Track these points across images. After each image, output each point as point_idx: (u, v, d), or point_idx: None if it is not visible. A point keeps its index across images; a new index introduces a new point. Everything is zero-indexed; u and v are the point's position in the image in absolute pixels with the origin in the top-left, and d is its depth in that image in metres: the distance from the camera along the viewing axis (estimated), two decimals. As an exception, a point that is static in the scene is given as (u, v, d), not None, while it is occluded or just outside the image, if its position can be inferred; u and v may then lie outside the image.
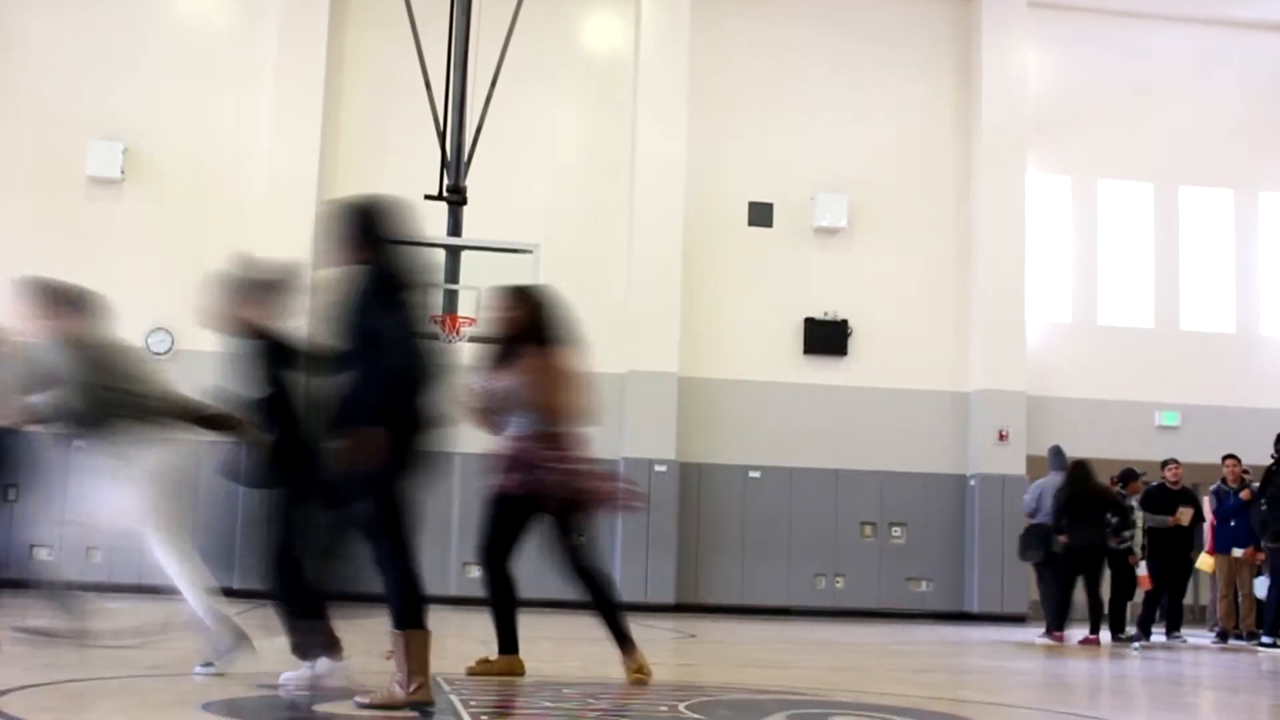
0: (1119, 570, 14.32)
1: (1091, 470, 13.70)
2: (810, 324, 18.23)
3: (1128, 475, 14.50)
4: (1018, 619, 17.83)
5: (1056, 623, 13.19)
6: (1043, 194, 19.34)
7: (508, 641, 6.97)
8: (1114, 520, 13.49)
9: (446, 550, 16.76)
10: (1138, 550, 14.16)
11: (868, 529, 18.23)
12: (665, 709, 5.86)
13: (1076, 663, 10.90)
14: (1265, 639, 13.03)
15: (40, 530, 7.73)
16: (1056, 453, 14.55)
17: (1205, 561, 15.03)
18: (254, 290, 6.30)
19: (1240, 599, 14.55)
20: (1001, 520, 17.95)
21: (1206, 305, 19.66)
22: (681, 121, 18.10)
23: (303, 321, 6.30)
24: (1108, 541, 13.49)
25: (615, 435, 17.56)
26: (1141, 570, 14.10)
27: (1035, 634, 13.76)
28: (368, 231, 5.56)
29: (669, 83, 18.14)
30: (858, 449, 18.19)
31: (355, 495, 5.43)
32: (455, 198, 13.83)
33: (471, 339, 12.75)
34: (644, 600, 16.94)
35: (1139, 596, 14.56)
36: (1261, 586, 13.66)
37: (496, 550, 6.86)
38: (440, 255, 13.38)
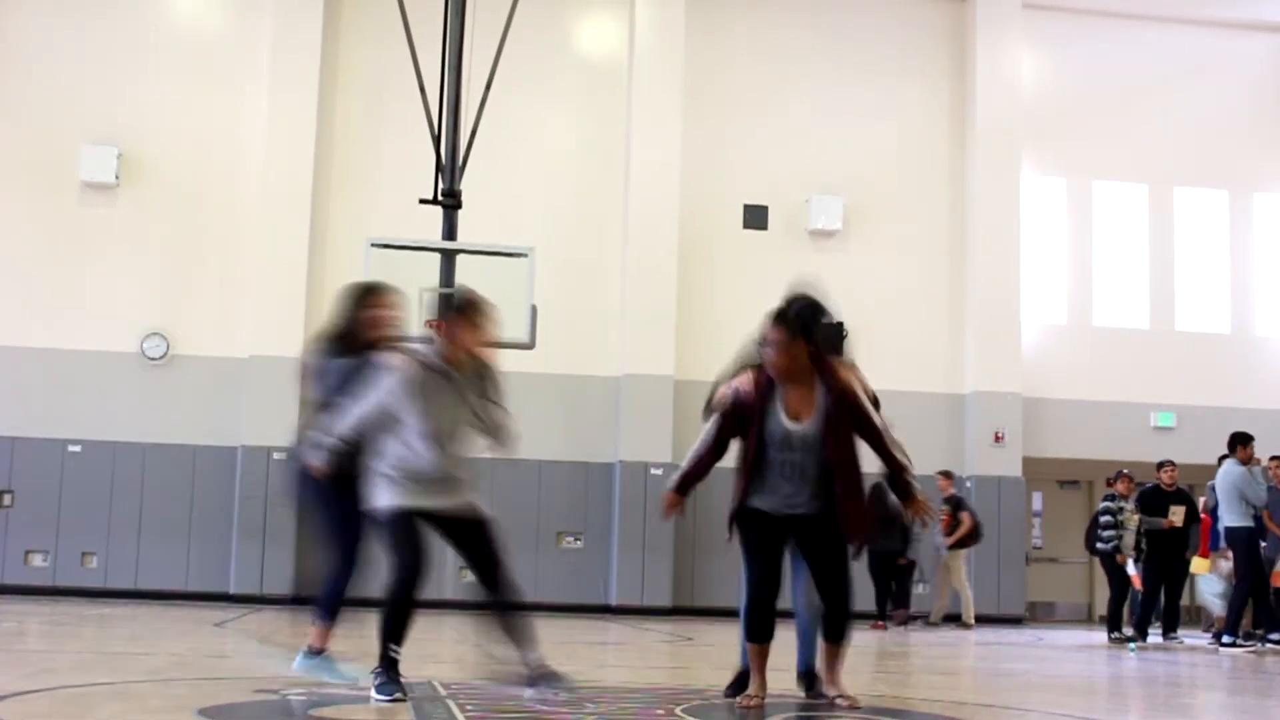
0: (1113, 572, 14.40)
1: (886, 491, 15.45)
2: (806, 326, 18.20)
3: (1117, 476, 14.67)
4: (1015, 620, 17.83)
5: (880, 613, 15.87)
6: (1037, 196, 19.35)
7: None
8: (902, 534, 15.58)
9: (444, 553, 16.75)
10: (1126, 550, 14.22)
11: (864, 531, 18.24)
12: (661, 712, 5.86)
13: (1073, 664, 10.91)
14: (1225, 638, 13.15)
15: None
16: None
17: (1200, 564, 15.05)
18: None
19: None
20: (998, 522, 17.94)
21: (1202, 306, 19.68)
22: (676, 124, 18.10)
23: None
24: (897, 548, 15.71)
25: (611, 438, 17.55)
26: (1131, 570, 14.20)
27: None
28: None
29: (663, 86, 18.13)
30: (854, 451, 18.15)
31: None
32: (450, 201, 13.81)
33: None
34: (640, 603, 16.94)
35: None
36: (1208, 585, 13.94)
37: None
38: (435, 259, 13.36)
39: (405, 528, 5.92)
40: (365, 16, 17.79)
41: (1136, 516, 14.31)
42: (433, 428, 5.84)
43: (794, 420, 5.97)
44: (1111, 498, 14.52)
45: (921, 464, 18.07)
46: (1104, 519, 14.39)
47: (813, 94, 18.81)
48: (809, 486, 6.03)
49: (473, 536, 6.04)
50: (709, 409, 6.32)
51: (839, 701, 5.91)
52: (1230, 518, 13.32)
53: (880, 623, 15.69)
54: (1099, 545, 14.42)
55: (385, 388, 5.88)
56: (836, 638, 6.06)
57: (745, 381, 6.08)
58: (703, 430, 6.23)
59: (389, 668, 5.85)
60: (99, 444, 16.83)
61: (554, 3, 18.16)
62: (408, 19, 14.01)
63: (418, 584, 5.91)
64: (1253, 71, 20.04)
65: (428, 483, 5.90)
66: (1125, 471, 14.72)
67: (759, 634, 6.13)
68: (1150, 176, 19.66)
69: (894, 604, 16.20)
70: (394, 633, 5.88)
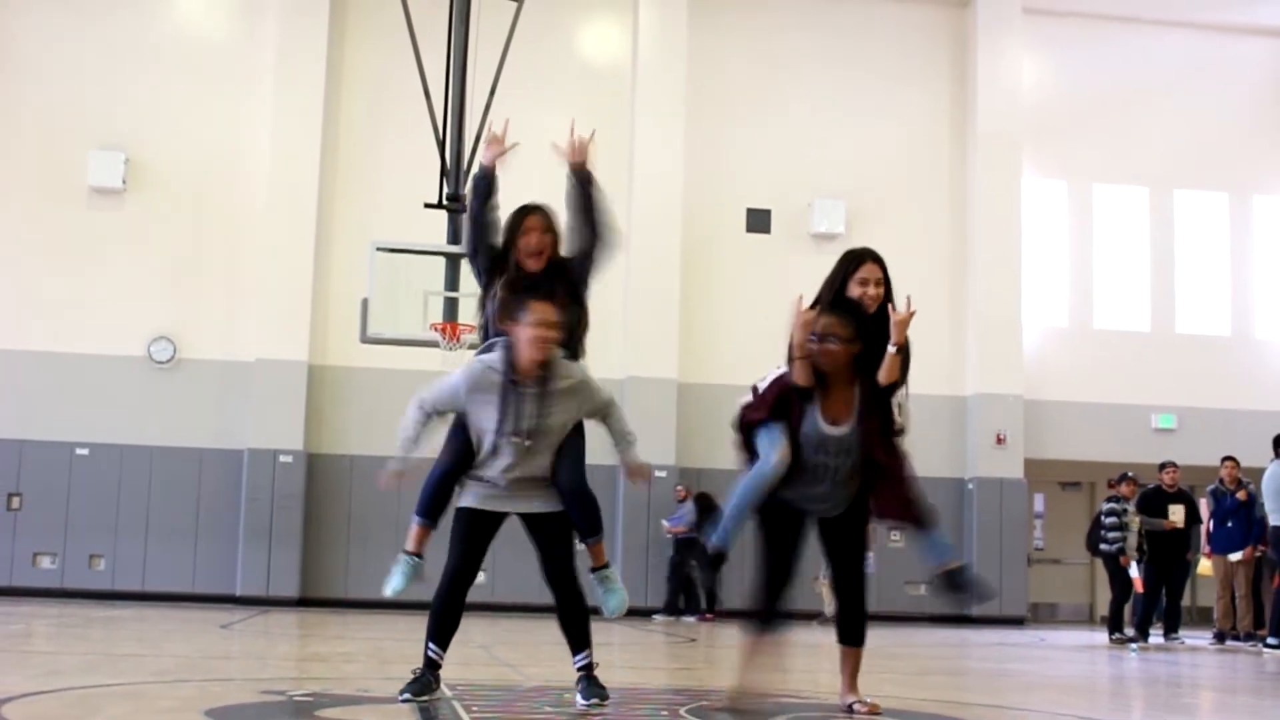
0: (1116, 573, 14.44)
1: (715, 498, 15.82)
2: (808, 329, 18.24)
3: (1121, 478, 14.70)
4: (1017, 621, 17.87)
5: (708, 606, 16.95)
6: (1038, 199, 19.40)
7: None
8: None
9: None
10: (1130, 552, 14.27)
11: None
12: (665, 713, 5.92)
13: (1075, 664, 10.95)
14: (1271, 640, 13.13)
15: None
16: None
17: (1206, 566, 15.08)
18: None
19: (1238, 599, 14.60)
20: (1000, 524, 18.00)
21: (1202, 308, 19.72)
22: (679, 128, 18.16)
23: None
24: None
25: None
26: (1134, 572, 14.24)
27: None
28: None
29: (666, 90, 18.19)
30: (856, 453, 18.20)
31: None
32: (455, 205, 13.86)
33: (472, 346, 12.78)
34: (643, 605, 16.98)
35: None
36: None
37: None
38: (440, 263, 13.43)
39: (457, 529, 5.98)
40: (370, 21, 17.86)
41: (1138, 518, 14.37)
42: (495, 433, 5.81)
43: (832, 424, 5.86)
44: (1115, 499, 14.55)
45: (922, 467, 18.24)
46: (1109, 520, 14.43)
47: (815, 98, 18.87)
48: (841, 489, 5.95)
49: (540, 537, 6.05)
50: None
51: (857, 708, 5.90)
52: (1274, 516, 13.31)
53: (709, 614, 16.71)
54: (1103, 547, 14.47)
55: (452, 391, 5.87)
56: (857, 640, 6.02)
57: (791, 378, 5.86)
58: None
59: (425, 666, 5.93)
60: (106, 447, 16.91)
61: (558, 7, 18.23)
62: (412, 23, 14.07)
63: (453, 586, 5.92)
64: (1252, 74, 20.09)
65: (494, 486, 5.92)
66: (1129, 474, 14.76)
67: (766, 627, 5.99)
68: (1150, 179, 19.71)
69: (708, 604, 17.03)
70: (429, 630, 5.95)
